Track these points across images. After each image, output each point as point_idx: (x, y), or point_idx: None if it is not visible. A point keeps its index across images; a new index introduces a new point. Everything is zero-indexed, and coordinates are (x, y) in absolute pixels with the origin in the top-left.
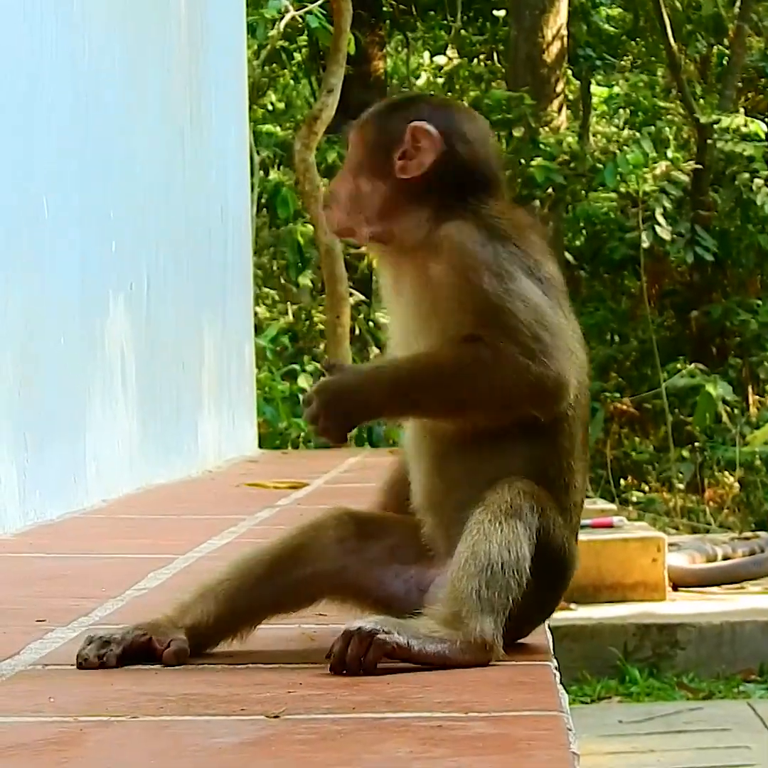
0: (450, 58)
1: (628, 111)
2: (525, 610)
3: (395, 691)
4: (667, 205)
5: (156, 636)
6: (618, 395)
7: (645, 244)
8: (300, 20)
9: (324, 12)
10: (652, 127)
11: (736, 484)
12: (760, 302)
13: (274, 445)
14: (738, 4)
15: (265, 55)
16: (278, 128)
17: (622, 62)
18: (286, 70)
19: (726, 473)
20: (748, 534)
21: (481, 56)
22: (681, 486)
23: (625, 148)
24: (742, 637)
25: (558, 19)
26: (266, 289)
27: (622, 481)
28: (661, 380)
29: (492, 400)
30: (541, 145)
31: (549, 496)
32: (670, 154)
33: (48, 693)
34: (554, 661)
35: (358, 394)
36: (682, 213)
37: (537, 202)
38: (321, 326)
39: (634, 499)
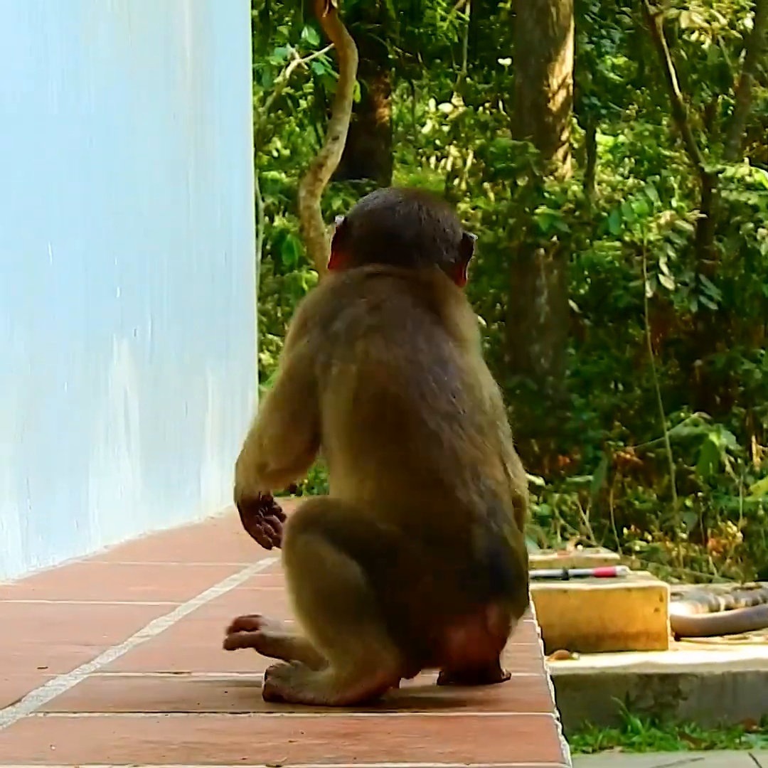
0: (455, 106)
1: (633, 160)
2: (400, 607)
3: (395, 740)
4: (672, 254)
5: None
6: (622, 444)
7: (649, 293)
8: (306, 67)
9: (330, 59)
10: (657, 176)
11: (739, 534)
12: (763, 352)
13: (278, 493)
14: (743, 54)
15: (270, 102)
16: (283, 175)
17: (627, 111)
18: (291, 117)
19: (729, 523)
20: (751, 584)
21: (487, 104)
22: (684, 535)
23: (629, 196)
24: (744, 687)
25: (563, 68)
26: (270, 336)
27: (625, 530)
28: (664, 429)
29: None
30: (546, 194)
31: (330, 503)
32: (674, 203)
33: (49, 740)
34: (556, 710)
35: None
36: (686, 262)
37: (541, 251)
38: None
39: (637, 548)
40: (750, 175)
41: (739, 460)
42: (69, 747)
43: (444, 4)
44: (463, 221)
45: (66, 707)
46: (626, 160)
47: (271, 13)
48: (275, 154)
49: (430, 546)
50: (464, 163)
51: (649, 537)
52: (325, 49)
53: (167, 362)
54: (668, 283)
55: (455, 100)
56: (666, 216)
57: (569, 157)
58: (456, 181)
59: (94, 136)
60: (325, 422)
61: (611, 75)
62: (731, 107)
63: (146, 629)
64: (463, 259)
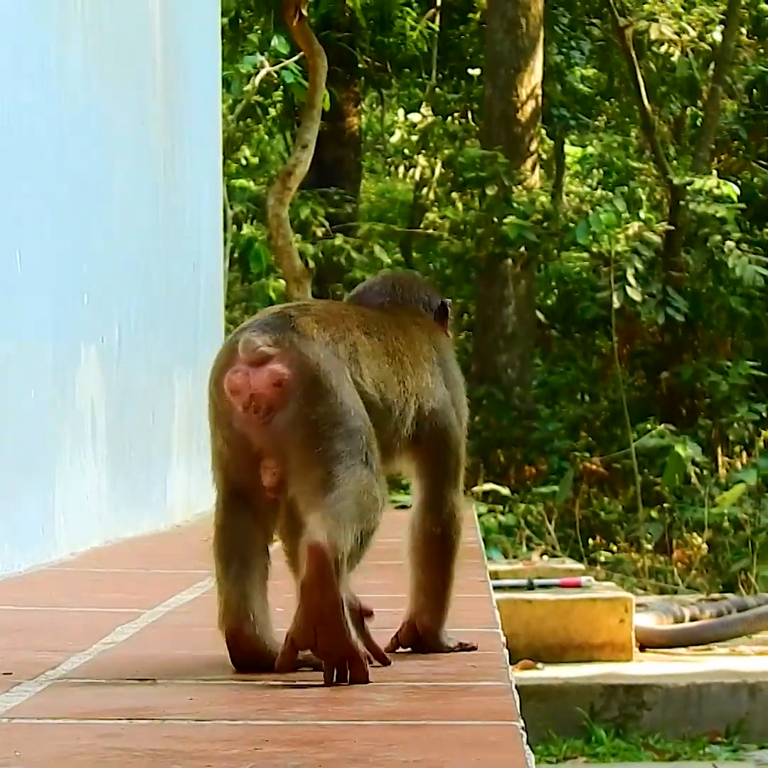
0: (424, 116)
1: (601, 171)
2: None
3: (361, 748)
4: (639, 265)
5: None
6: (588, 455)
7: (616, 304)
8: (275, 76)
9: (299, 68)
10: (626, 188)
11: (705, 546)
12: (730, 364)
13: None
14: (712, 66)
15: (240, 110)
16: (252, 183)
17: (596, 122)
18: (260, 125)
19: (694, 534)
20: (716, 595)
21: (456, 114)
22: (649, 546)
23: (598, 207)
24: (709, 698)
25: (532, 79)
26: None
27: (590, 541)
28: (630, 440)
29: None
30: (515, 204)
31: None
32: (642, 214)
33: (14, 747)
34: (521, 720)
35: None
36: (653, 274)
37: (509, 261)
38: None
39: (603, 559)
40: (718, 187)
41: (705, 472)
42: (34, 753)
43: (414, 14)
44: (432, 231)
45: (31, 713)
46: (594, 171)
47: (240, 20)
48: (244, 162)
49: None
50: (433, 172)
51: (615, 548)
52: (295, 58)
53: (134, 369)
54: (635, 294)
55: (424, 109)
56: (634, 227)
57: (538, 167)
58: (424, 191)
59: (63, 142)
60: None
61: (580, 86)
62: (700, 119)
63: (111, 636)
64: (442, 319)
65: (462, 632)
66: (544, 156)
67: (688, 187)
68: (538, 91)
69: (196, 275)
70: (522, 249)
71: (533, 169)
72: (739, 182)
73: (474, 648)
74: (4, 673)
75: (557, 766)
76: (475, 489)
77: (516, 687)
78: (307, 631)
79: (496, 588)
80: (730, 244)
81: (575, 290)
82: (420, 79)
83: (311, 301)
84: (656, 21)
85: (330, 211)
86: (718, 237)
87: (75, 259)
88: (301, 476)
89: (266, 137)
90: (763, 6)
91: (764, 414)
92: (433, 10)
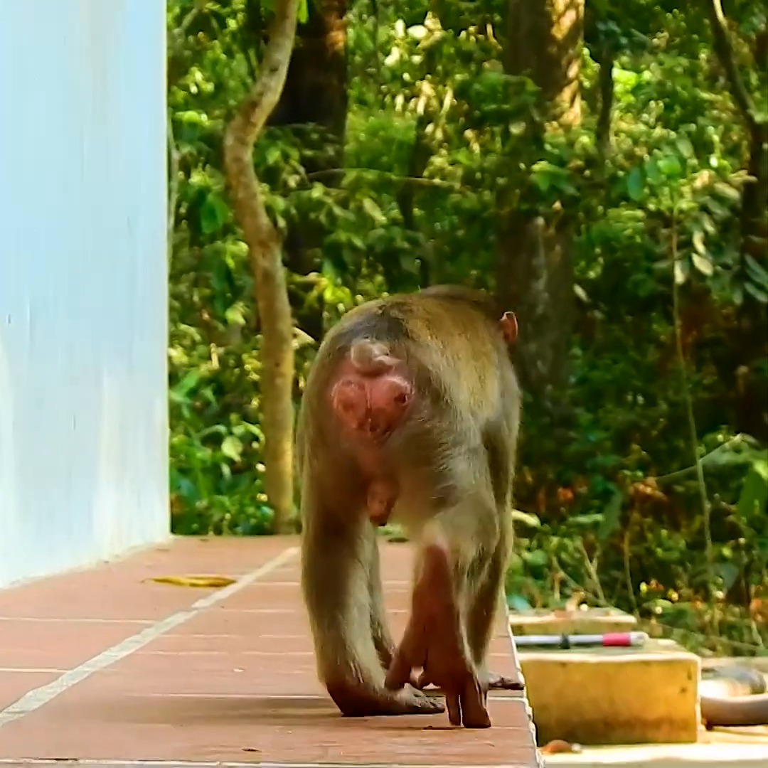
0: (430, 30)
1: (661, 104)
2: None
3: None
4: (710, 228)
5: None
6: (641, 474)
7: (679, 279)
8: None
9: None
10: (693, 126)
11: None
12: None
13: (191, 530)
14: None
15: (189, 21)
16: (205, 116)
17: (655, 41)
18: (216, 41)
19: None
20: None
21: (472, 28)
22: (720, 594)
23: (656, 151)
24: None
25: None
26: (184, 326)
27: (643, 586)
28: (696, 456)
29: None
30: (548, 146)
31: None
32: (714, 161)
33: None
34: None
35: None
36: (728, 239)
37: (540, 221)
38: (254, 376)
39: (659, 609)
40: None
41: None
42: None
43: None
44: (439, 180)
45: None
46: (652, 103)
47: None
48: (195, 89)
49: None
50: (441, 104)
51: (675, 595)
52: None
53: (51, 361)
54: (705, 265)
55: (430, 21)
56: (703, 178)
57: (578, 98)
58: (430, 128)
59: None
60: None
61: None
62: None
63: (20, 703)
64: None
65: None
66: (587, 84)
67: None
68: (580, 0)
69: (132, 237)
70: (557, 204)
71: (572, 100)
72: None
73: (520, 687)
74: None
75: None
76: None
77: None
78: (418, 642)
79: (520, 646)
80: None
81: (626, 259)
82: None
83: (407, 297)
84: None
85: (306, 153)
86: None
87: None
88: (413, 498)
89: (223, 57)
90: None
91: None
92: None
